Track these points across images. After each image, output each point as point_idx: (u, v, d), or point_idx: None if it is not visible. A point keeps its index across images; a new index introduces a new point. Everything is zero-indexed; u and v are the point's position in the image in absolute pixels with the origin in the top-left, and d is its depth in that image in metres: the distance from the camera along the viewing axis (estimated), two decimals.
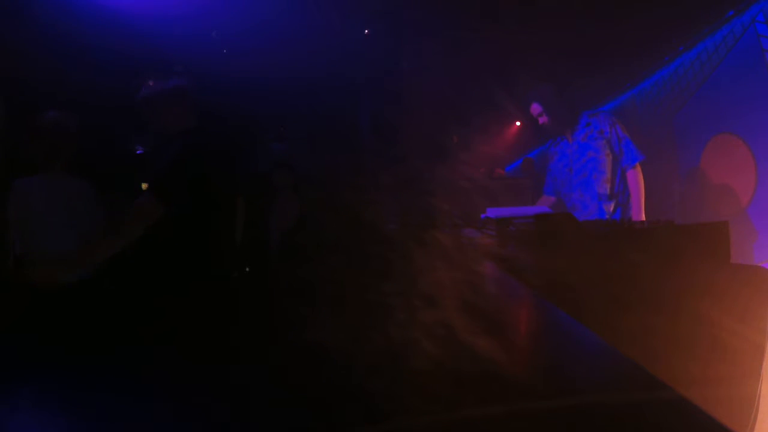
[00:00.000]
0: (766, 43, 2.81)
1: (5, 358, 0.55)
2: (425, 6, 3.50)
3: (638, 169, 2.63)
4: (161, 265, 2.55)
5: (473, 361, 0.43)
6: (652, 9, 2.94)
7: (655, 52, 3.87)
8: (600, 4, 3.09)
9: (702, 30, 3.35)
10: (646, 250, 1.20)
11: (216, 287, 1.86)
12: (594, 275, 1.08)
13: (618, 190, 2.69)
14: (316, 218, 3.86)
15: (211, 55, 4.14)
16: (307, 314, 0.75)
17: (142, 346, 0.59)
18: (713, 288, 1.09)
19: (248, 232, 3.18)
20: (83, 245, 2.44)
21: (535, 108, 2.79)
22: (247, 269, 2.79)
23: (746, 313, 1.01)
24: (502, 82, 3.97)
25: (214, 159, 2.38)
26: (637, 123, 4.40)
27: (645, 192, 2.64)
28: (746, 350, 0.97)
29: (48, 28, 3.37)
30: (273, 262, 3.44)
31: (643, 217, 2.56)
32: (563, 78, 3.20)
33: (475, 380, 0.39)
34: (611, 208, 2.68)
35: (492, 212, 2.23)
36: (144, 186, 3.37)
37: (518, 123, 6.34)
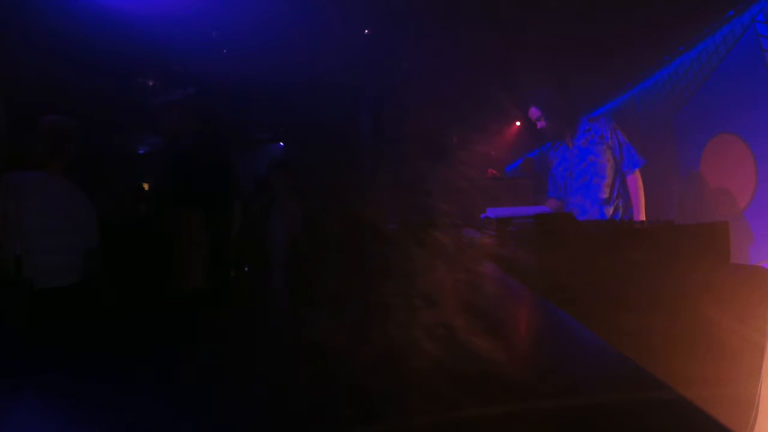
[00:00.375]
0: (766, 43, 2.81)
1: (5, 358, 0.55)
2: (425, 6, 3.50)
3: (638, 174, 2.65)
4: (161, 265, 2.57)
5: (473, 361, 0.43)
6: (652, 9, 2.94)
7: (655, 52, 3.87)
8: (600, 4, 3.09)
9: (702, 30, 3.35)
10: (645, 250, 1.20)
11: (216, 287, 1.86)
12: (594, 275, 1.08)
13: (618, 194, 2.70)
14: (315, 218, 3.87)
15: (211, 55, 4.14)
16: (306, 314, 0.75)
17: (141, 345, 0.59)
18: (713, 288, 1.09)
19: (247, 233, 3.19)
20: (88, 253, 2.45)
21: (534, 112, 2.79)
22: (246, 269, 2.80)
23: (746, 313, 1.01)
24: (502, 82, 3.97)
25: (213, 164, 2.42)
26: (637, 123, 4.40)
27: (645, 194, 2.65)
28: (746, 350, 0.97)
29: (49, 28, 3.37)
30: (278, 262, 3.45)
31: (642, 215, 2.58)
32: (563, 78, 3.20)
33: (475, 380, 0.39)
34: (610, 212, 2.69)
35: (492, 212, 2.23)
36: (145, 186, 3.39)
37: (518, 123, 6.34)
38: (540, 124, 2.79)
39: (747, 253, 2.88)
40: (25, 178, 2.36)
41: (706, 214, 3.42)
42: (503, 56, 3.92)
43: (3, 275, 2.37)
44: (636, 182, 2.64)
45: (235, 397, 0.38)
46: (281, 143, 8.16)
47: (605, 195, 2.68)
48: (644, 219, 2.55)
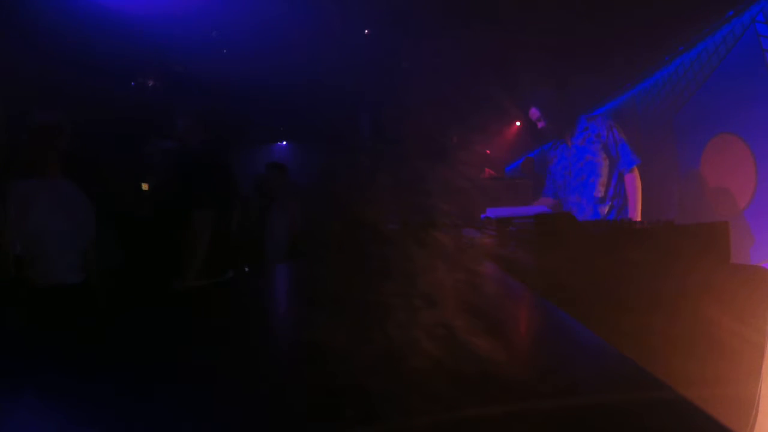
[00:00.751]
0: (766, 43, 2.81)
1: (5, 357, 0.55)
2: (425, 6, 3.50)
3: (636, 173, 2.65)
4: (159, 265, 2.59)
5: (473, 361, 0.43)
6: (652, 9, 2.94)
7: (655, 52, 3.87)
8: (600, 4, 3.09)
9: (702, 30, 3.35)
10: (645, 250, 1.20)
11: (216, 287, 1.87)
12: (594, 275, 1.08)
13: (614, 193, 2.71)
14: (315, 218, 3.86)
15: (211, 55, 4.15)
16: (306, 314, 0.75)
17: (140, 345, 0.59)
18: (713, 288, 1.09)
19: (247, 233, 3.20)
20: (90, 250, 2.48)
21: (534, 113, 2.81)
22: (246, 269, 2.80)
23: (746, 313, 1.01)
24: (502, 82, 3.97)
25: (215, 167, 2.47)
26: (637, 123, 4.40)
27: (643, 193, 2.65)
28: (746, 350, 0.97)
29: (49, 28, 3.37)
30: (278, 261, 3.45)
31: (638, 213, 2.58)
32: (563, 78, 3.20)
33: (475, 380, 0.39)
34: (605, 211, 2.70)
35: (492, 212, 2.23)
36: (144, 186, 3.40)
37: (518, 123, 6.34)
38: (540, 125, 2.80)
39: (747, 253, 2.88)
40: (25, 182, 2.37)
41: (706, 214, 3.42)
42: (503, 56, 3.92)
43: (3, 275, 2.37)
44: (634, 181, 2.64)
45: (235, 397, 0.38)
46: (284, 143, 8.16)
47: (600, 194, 2.69)
48: (639, 218, 2.55)
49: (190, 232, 2.33)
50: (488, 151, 6.19)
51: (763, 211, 2.88)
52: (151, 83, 4.69)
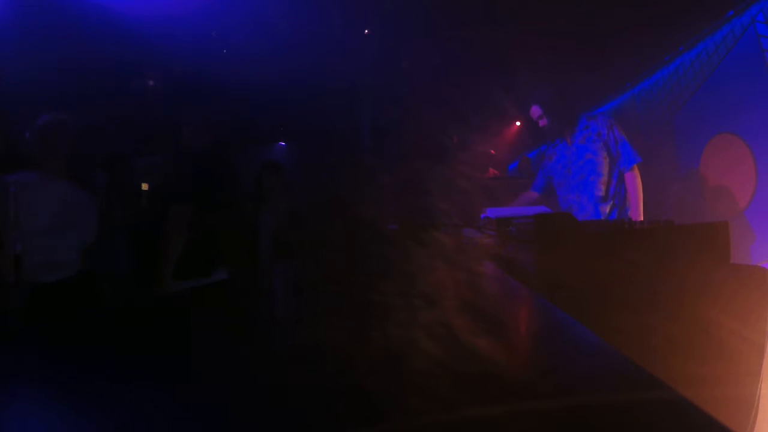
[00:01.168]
0: (766, 43, 2.81)
1: (4, 357, 0.55)
2: (425, 6, 3.50)
3: (636, 171, 2.65)
4: (156, 263, 2.62)
5: (473, 361, 0.43)
6: (653, 9, 2.94)
7: (655, 52, 3.87)
8: (600, 4, 3.09)
9: (702, 30, 3.35)
10: (645, 250, 1.20)
11: (214, 286, 1.87)
12: (594, 275, 1.09)
13: (614, 192, 2.71)
14: (313, 218, 3.86)
15: (211, 55, 4.14)
16: (306, 314, 0.75)
17: (139, 345, 0.59)
18: (713, 288, 1.09)
19: (239, 233, 3.22)
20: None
21: (535, 110, 2.81)
22: (237, 268, 2.83)
23: (746, 313, 1.01)
24: (502, 82, 3.97)
25: (214, 170, 2.52)
26: (637, 123, 4.40)
27: (643, 193, 2.65)
28: (746, 350, 0.97)
29: (49, 28, 3.37)
30: (264, 261, 3.46)
31: (641, 218, 2.57)
32: (563, 78, 3.20)
33: (474, 380, 0.39)
34: (607, 210, 2.70)
35: (492, 212, 2.24)
36: (144, 186, 3.42)
37: (518, 123, 6.35)
38: (542, 123, 2.80)
39: (747, 253, 2.88)
40: (22, 178, 2.38)
41: (706, 213, 3.42)
42: (503, 56, 3.92)
43: (3, 275, 2.38)
44: (634, 180, 2.64)
45: (234, 398, 0.38)
46: (282, 143, 8.16)
47: (601, 192, 2.69)
48: (642, 218, 2.55)
49: (168, 228, 2.42)
50: (493, 152, 6.21)
51: (763, 211, 2.88)
52: (151, 83, 4.69)
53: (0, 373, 0.49)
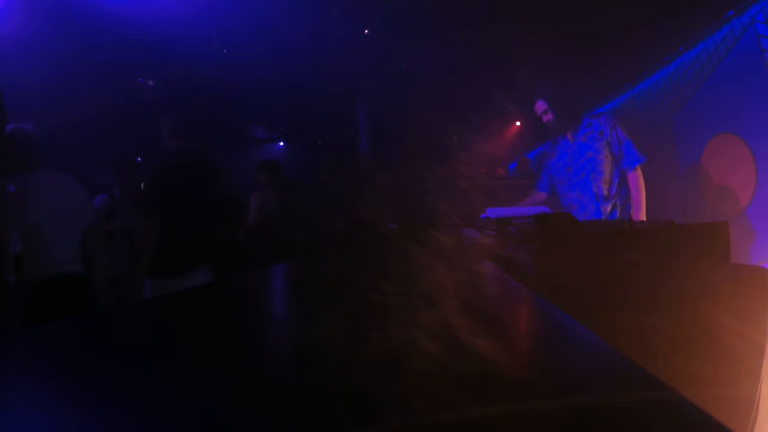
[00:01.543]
0: (766, 43, 2.81)
1: (4, 356, 0.55)
2: (425, 6, 3.50)
3: (639, 171, 2.64)
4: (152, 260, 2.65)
5: (473, 361, 0.43)
6: (652, 9, 2.94)
7: (655, 52, 3.87)
8: (600, 4, 3.09)
9: (702, 30, 3.35)
10: (646, 250, 1.20)
11: (212, 285, 1.87)
12: (594, 275, 1.09)
13: (616, 192, 2.70)
14: (312, 217, 3.86)
15: (211, 55, 4.14)
16: (305, 314, 0.75)
17: (139, 345, 0.59)
18: (713, 288, 1.09)
19: (227, 231, 3.23)
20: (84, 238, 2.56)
21: (540, 105, 2.80)
22: (226, 267, 2.86)
23: (746, 313, 1.01)
24: (503, 81, 3.97)
25: (193, 175, 2.58)
26: (637, 123, 4.40)
27: (645, 193, 2.65)
28: (746, 350, 0.97)
29: (49, 28, 3.36)
30: (262, 260, 3.47)
31: (644, 218, 2.57)
32: (563, 78, 3.20)
33: (475, 380, 0.39)
34: (608, 209, 2.69)
35: (492, 212, 2.24)
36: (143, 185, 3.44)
37: (518, 123, 6.35)
38: (546, 118, 2.79)
39: (747, 253, 2.88)
40: (23, 179, 2.40)
41: (706, 213, 3.42)
42: (503, 56, 3.92)
43: (3, 274, 2.39)
44: (637, 180, 2.63)
45: (233, 398, 0.38)
46: (281, 143, 8.17)
47: (603, 192, 2.69)
48: (644, 218, 2.54)
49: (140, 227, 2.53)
50: (499, 151, 6.24)
51: (764, 211, 2.88)
52: (151, 83, 4.69)
53: (2, 373, 0.49)
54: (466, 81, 4.44)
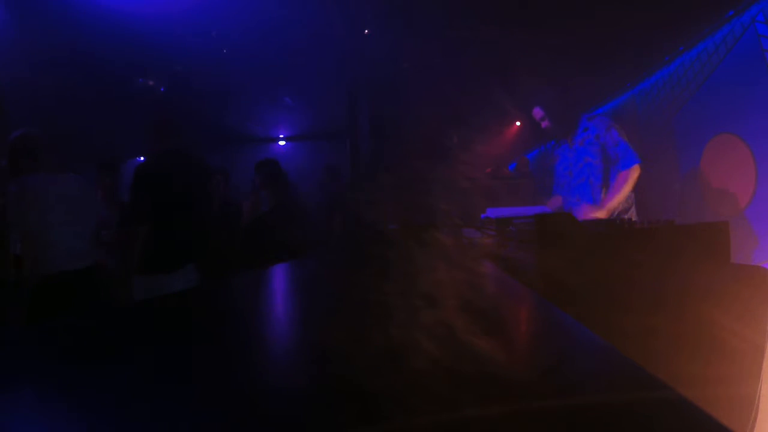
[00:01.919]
0: (766, 43, 2.81)
1: (4, 356, 0.55)
2: (425, 6, 3.50)
3: (633, 169, 2.56)
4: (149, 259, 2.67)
5: (473, 361, 0.43)
6: (653, 9, 2.94)
7: (655, 52, 3.87)
8: (600, 4, 3.09)
9: (702, 30, 3.35)
10: (646, 250, 1.20)
11: (211, 285, 1.87)
12: (594, 275, 1.08)
13: None
14: (312, 217, 3.86)
15: (211, 55, 4.14)
16: (305, 314, 0.75)
17: (138, 344, 0.59)
18: (713, 288, 1.09)
19: (220, 228, 3.25)
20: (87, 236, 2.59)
21: (537, 112, 2.79)
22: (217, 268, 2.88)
23: (746, 313, 1.01)
24: (503, 81, 3.97)
25: (177, 177, 2.60)
26: (637, 123, 4.40)
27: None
28: (746, 350, 0.97)
29: (49, 28, 3.36)
30: (261, 261, 3.47)
31: (608, 208, 2.50)
32: (563, 78, 3.20)
33: (475, 380, 0.39)
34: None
35: (492, 212, 2.23)
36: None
37: (518, 123, 6.35)
38: (544, 124, 2.78)
39: (747, 253, 2.88)
40: (22, 181, 2.41)
41: (706, 213, 3.42)
42: (504, 56, 3.92)
43: (4, 273, 2.40)
44: (627, 176, 2.55)
45: (234, 398, 0.38)
46: (282, 143, 8.16)
47: (600, 196, 2.68)
48: (611, 208, 2.47)
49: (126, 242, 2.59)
50: (499, 151, 6.26)
51: (764, 211, 2.88)
52: (151, 83, 4.69)
53: (3, 372, 0.49)
54: (466, 81, 4.44)
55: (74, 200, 2.57)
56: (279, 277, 1.27)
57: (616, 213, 2.61)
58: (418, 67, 4.34)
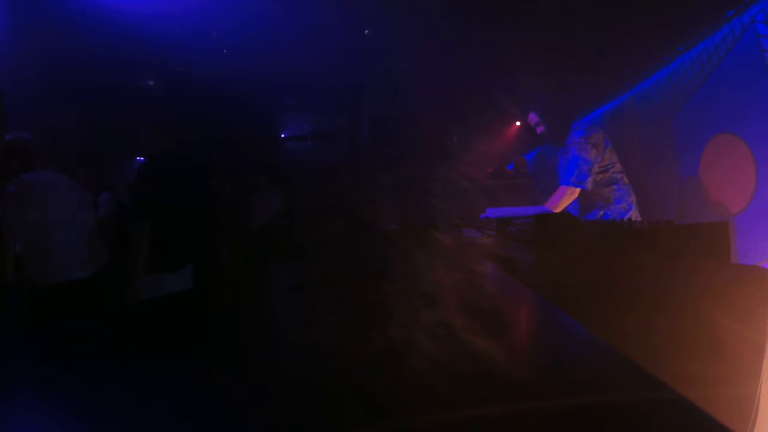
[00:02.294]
0: (766, 43, 2.81)
1: (4, 357, 0.55)
2: (425, 6, 3.50)
3: (571, 189, 2.53)
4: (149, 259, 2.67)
5: (473, 361, 0.43)
6: (653, 9, 2.94)
7: (655, 52, 3.87)
8: (600, 4, 3.09)
9: (702, 30, 3.35)
10: (646, 250, 1.20)
11: (211, 285, 1.87)
12: (594, 275, 1.09)
13: (601, 205, 2.70)
14: (312, 217, 3.86)
15: (211, 54, 4.14)
16: (306, 314, 0.75)
17: (138, 345, 0.59)
18: (713, 288, 1.09)
19: (225, 231, 3.25)
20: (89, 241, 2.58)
21: (533, 118, 2.81)
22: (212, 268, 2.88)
23: (746, 313, 1.01)
24: (503, 81, 3.97)
25: (176, 179, 2.61)
26: (637, 123, 4.40)
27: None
28: (746, 350, 0.97)
29: (49, 28, 3.36)
30: (260, 260, 3.46)
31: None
32: (563, 78, 3.20)
33: (475, 380, 0.39)
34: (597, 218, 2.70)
35: (492, 212, 2.24)
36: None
37: (518, 123, 6.36)
38: (539, 130, 2.81)
39: (747, 253, 2.88)
40: (21, 181, 2.41)
41: (706, 214, 3.42)
42: (503, 56, 3.92)
43: (4, 275, 2.40)
44: (564, 192, 2.56)
45: (234, 398, 0.38)
46: (282, 143, 8.17)
47: (584, 203, 2.71)
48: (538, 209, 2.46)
49: (130, 242, 2.58)
50: (498, 151, 6.27)
51: (763, 211, 2.88)
52: (151, 83, 4.69)
53: (2, 373, 0.49)
54: (466, 81, 4.44)
55: (72, 201, 2.57)
56: (279, 278, 1.27)
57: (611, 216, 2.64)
58: (418, 67, 4.34)
